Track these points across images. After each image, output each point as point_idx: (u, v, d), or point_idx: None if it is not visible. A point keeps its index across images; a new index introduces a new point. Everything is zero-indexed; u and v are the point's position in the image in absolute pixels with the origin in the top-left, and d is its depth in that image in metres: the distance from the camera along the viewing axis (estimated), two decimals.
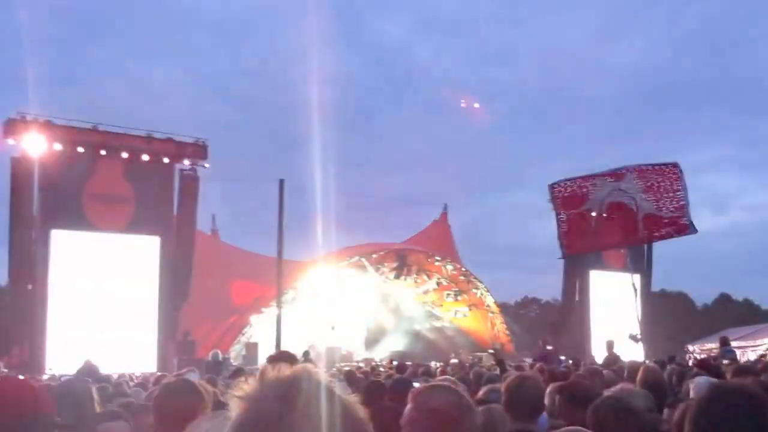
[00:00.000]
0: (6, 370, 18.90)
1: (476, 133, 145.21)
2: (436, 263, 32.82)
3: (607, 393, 5.12)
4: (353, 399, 1.35)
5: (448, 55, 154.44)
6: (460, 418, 2.67)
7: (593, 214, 9.38)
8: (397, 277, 31.80)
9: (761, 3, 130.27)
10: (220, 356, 23.77)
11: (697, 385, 5.84)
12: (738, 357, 16.92)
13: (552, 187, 9.78)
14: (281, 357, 5.69)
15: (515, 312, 52.47)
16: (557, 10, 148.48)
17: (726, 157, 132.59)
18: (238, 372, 10.83)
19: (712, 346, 26.71)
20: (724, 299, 66.59)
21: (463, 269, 33.78)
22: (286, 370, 1.33)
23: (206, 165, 24.79)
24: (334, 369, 19.04)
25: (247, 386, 1.31)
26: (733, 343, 20.96)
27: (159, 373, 16.12)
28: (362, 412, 1.35)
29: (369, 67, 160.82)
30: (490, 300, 34.56)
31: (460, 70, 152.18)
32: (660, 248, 27.89)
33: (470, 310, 34.77)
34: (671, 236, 10.06)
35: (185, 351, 23.01)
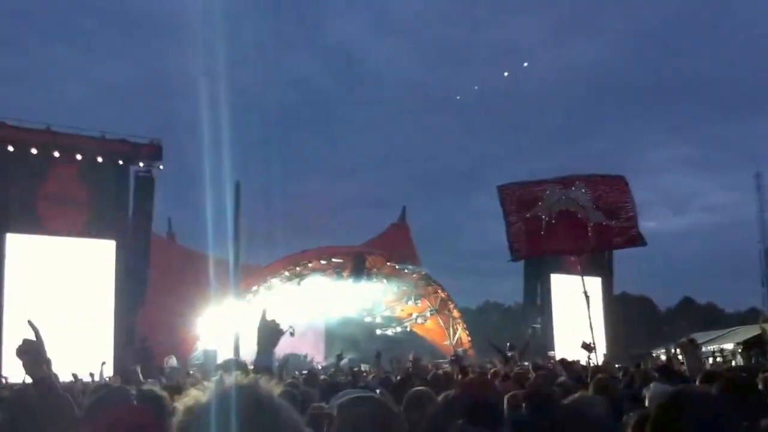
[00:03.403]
0: None
1: (435, 134, 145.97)
2: (396, 267, 32.73)
3: (566, 401, 5.10)
4: (296, 416, 1.43)
5: (406, 55, 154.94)
6: (383, 429, 2.65)
7: (543, 219, 9.35)
8: (356, 280, 31.64)
9: (720, 4, 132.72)
10: (176, 362, 23.50)
11: (652, 392, 5.81)
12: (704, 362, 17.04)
13: (501, 189, 9.73)
14: (230, 366, 5.57)
15: (477, 317, 52.54)
16: (514, 11, 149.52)
17: (685, 157, 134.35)
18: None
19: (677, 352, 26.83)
20: (688, 302, 67.07)
21: (423, 273, 33.74)
22: (232, 382, 1.41)
23: (161, 166, 24.47)
24: (296, 374, 18.86)
25: (191, 398, 1.39)
26: None
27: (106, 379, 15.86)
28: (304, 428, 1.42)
29: (327, 69, 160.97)
30: (450, 304, 34.57)
31: (418, 70, 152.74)
32: (621, 250, 28.13)
33: (430, 314, 34.77)
34: (621, 247, 10.08)
35: (142, 358, 22.65)
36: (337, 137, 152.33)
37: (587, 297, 9.46)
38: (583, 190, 9.30)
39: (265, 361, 3.76)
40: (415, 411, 4.60)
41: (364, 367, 24.02)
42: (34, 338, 3.25)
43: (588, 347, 9.53)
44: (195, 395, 1.40)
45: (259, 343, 3.48)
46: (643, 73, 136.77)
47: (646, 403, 5.53)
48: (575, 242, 9.62)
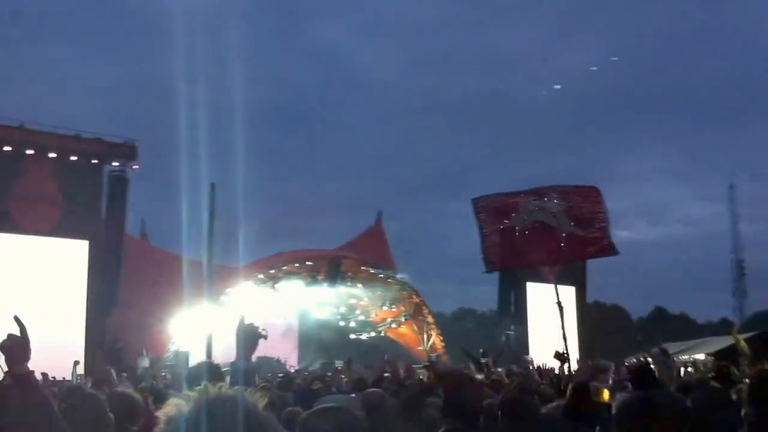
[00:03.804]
0: None
1: (414, 139, 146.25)
2: (371, 271, 32.69)
3: (543, 410, 5.08)
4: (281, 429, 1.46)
5: (389, 59, 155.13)
6: None
7: (517, 231, 9.40)
8: (331, 284, 31.57)
9: (697, 20, 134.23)
10: (148, 363, 23.30)
11: (617, 402, 5.81)
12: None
13: (475, 201, 9.80)
14: (203, 369, 5.50)
15: (451, 323, 52.58)
16: (501, 18, 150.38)
17: (661, 168, 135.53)
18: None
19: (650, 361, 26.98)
20: (660, 312, 67.48)
21: (398, 278, 33.73)
22: (216, 392, 1.39)
23: (135, 166, 24.31)
24: (268, 375, 18.76)
25: (173, 407, 1.36)
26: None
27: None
28: None
29: (309, 71, 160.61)
30: (425, 310, 34.58)
31: (401, 74, 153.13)
32: (595, 260, 28.33)
33: (405, 319, 34.77)
34: (593, 257, 10.19)
35: (113, 359, 22.43)
36: (317, 139, 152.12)
37: (561, 307, 9.51)
38: (556, 201, 9.38)
39: (244, 366, 3.75)
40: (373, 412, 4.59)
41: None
42: (19, 333, 3.19)
43: (561, 357, 9.55)
44: (177, 404, 1.38)
45: (238, 348, 3.52)
46: (622, 85, 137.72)
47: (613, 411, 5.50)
48: (549, 253, 9.68)
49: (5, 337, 3.01)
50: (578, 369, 4.43)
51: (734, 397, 5.65)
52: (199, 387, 1.44)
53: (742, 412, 4.33)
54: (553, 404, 5.37)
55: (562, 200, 9.55)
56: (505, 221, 9.58)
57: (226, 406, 1.36)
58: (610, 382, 9.73)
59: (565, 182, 10.16)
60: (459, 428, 3.89)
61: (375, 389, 5.07)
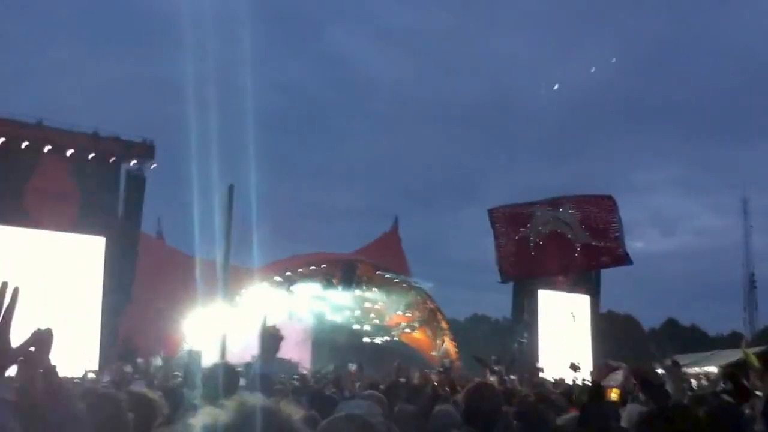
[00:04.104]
0: None
1: (429, 147, 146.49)
2: (386, 276, 32.65)
3: (559, 421, 5.03)
4: None
5: (402, 66, 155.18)
6: None
7: (532, 241, 9.32)
8: (346, 288, 31.55)
9: (714, 30, 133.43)
10: (161, 362, 23.33)
11: (628, 413, 5.76)
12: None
13: (491, 212, 9.74)
14: (218, 370, 5.47)
15: (465, 329, 52.43)
16: (513, 25, 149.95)
17: (677, 179, 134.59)
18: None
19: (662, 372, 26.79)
20: (672, 324, 67.07)
21: (413, 283, 33.67)
22: (250, 401, 1.39)
23: (153, 165, 24.42)
24: (282, 377, 18.71)
25: (209, 416, 1.35)
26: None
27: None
28: None
29: (324, 77, 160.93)
30: (439, 315, 34.49)
31: (414, 81, 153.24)
32: (608, 269, 28.18)
33: (418, 324, 34.68)
34: (607, 266, 10.10)
35: (126, 358, 22.50)
36: (332, 145, 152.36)
37: (574, 318, 9.46)
38: (571, 211, 9.29)
39: (267, 369, 3.71)
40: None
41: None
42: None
43: (575, 368, 9.47)
44: (213, 414, 1.37)
45: (261, 351, 3.61)
46: (637, 94, 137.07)
47: (623, 423, 5.47)
48: (563, 263, 9.60)
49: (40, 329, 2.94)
50: (593, 370, 4.37)
51: (747, 411, 5.57)
52: (234, 396, 1.44)
53: (755, 427, 4.27)
54: (569, 415, 5.31)
55: (576, 210, 9.46)
56: (521, 231, 9.50)
57: (264, 418, 1.36)
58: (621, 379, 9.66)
59: (578, 191, 10.09)
60: None
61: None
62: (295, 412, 1.47)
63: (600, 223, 9.47)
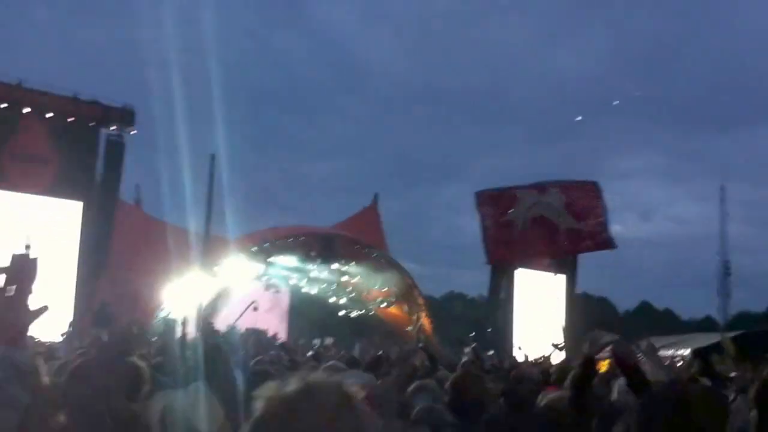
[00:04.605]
0: None
1: (413, 126, 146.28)
2: (365, 251, 32.61)
3: (543, 402, 5.03)
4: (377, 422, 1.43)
5: (390, 46, 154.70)
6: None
7: (517, 224, 9.33)
8: (324, 261, 31.52)
9: (700, 21, 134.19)
10: (137, 329, 23.23)
11: (618, 385, 5.84)
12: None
13: (478, 195, 9.73)
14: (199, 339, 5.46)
15: (440, 306, 52.63)
16: (504, 9, 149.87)
17: (657, 166, 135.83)
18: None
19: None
20: (646, 307, 67.72)
21: (390, 259, 33.66)
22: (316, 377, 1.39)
23: (133, 131, 24.19)
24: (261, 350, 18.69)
25: (271, 389, 1.35)
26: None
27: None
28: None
29: (313, 54, 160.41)
30: (415, 291, 34.54)
31: (401, 61, 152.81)
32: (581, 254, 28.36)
33: (395, 300, 34.73)
34: (591, 250, 10.12)
35: (101, 322, 22.37)
36: (315, 120, 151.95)
37: (558, 299, 9.48)
38: (556, 196, 9.30)
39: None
40: None
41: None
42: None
43: (558, 347, 9.54)
44: (275, 386, 1.37)
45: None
46: (618, 83, 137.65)
47: (614, 395, 5.51)
48: (548, 246, 9.64)
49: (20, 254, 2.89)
50: (586, 343, 4.37)
51: (731, 397, 5.67)
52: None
53: (750, 414, 4.33)
54: (556, 394, 5.33)
55: (562, 195, 9.48)
56: (507, 214, 9.50)
57: (328, 389, 1.35)
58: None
59: (559, 176, 10.12)
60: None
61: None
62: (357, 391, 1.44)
63: (585, 207, 9.51)
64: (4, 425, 2.68)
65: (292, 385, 1.36)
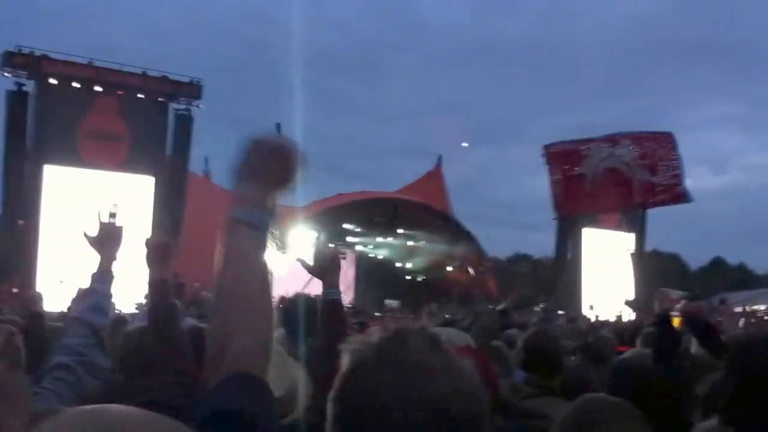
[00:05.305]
0: None
1: (476, 85, 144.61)
2: (429, 215, 32.78)
3: (622, 357, 5.09)
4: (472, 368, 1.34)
5: (453, 4, 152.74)
6: None
7: (588, 178, 9.29)
8: (389, 226, 31.81)
9: None
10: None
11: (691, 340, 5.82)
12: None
13: (547, 147, 9.70)
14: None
15: (506, 268, 52.46)
16: None
17: (729, 116, 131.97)
18: None
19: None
20: (718, 263, 66.18)
21: (457, 222, 33.77)
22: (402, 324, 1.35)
23: (200, 105, 24.65)
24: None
25: (358, 341, 1.31)
26: None
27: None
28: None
29: (370, 15, 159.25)
30: (481, 254, 34.63)
31: (462, 20, 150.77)
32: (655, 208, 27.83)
33: (462, 263, 34.86)
34: (666, 204, 9.99)
35: (175, 293, 22.98)
36: (378, 83, 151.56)
37: (632, 254, 9.46)
38: (629, 148, 9.23)
39: (304, 301, 3.70)
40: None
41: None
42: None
43: (632, 305, 9.54)
44: (361, 338, 1.32)
45: (325, 273, 3.14)
46: (687, 31, 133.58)
47: (692, 350, 5.44)
48: (620, 200, 9.59)
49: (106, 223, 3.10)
50: (657, 302, 4.38)
51: None
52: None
53: None
54: (631, 351, 5.39)
55: (635, 147, 9.40)
56: (576, 168, 9.47)
57: (418, 337, 1.28)
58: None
59: (629, 128, 9.97)
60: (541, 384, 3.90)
61: None
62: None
63: (659, 159, 9.40)
64: (92, 395, 2.73)
65: (379, 333, 1.31)
